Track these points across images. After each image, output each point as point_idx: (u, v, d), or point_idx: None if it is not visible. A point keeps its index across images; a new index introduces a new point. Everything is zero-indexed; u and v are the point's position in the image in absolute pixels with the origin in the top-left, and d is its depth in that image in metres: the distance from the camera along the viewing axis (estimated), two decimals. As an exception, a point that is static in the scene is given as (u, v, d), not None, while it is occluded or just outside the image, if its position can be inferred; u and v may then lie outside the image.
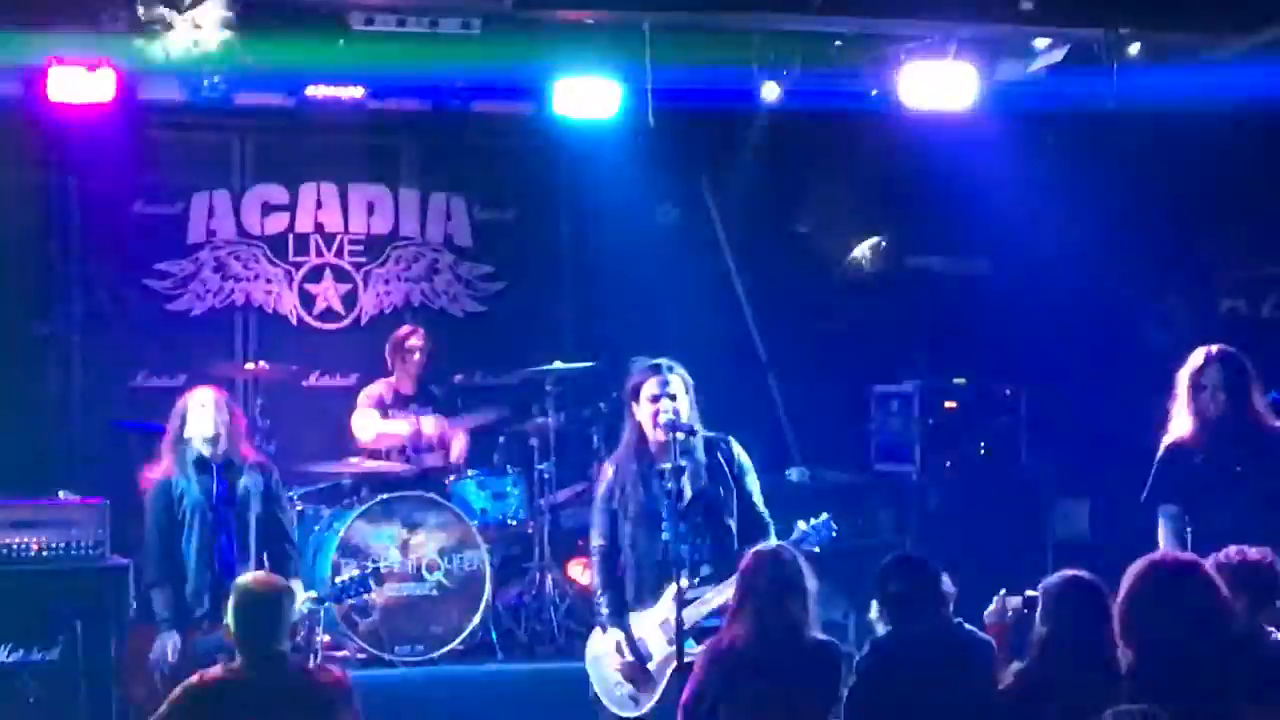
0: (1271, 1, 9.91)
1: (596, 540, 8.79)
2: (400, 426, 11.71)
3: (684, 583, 8.29)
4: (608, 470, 8.89)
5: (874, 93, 11.73)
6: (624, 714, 8.66)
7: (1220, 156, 11.81)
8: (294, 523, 10.01)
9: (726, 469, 8.74)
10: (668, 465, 8.55)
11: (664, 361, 8.76)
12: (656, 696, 8.52)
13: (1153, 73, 10.74)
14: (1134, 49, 10.56)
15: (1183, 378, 8.74)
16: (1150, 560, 6.83)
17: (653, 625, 8.57)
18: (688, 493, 8.53)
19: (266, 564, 9.28)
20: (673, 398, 8.60)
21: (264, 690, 6.89)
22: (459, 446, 12.00)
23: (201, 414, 9.37)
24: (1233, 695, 6.41)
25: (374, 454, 11.67)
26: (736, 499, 8.72)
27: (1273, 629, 7.02)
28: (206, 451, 9.38)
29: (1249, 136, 11.23)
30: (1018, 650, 7.14)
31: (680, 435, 8.46)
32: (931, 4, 10.04)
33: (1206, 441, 8.68)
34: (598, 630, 8.80)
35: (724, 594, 8.18)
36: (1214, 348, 8.76)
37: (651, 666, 8.55)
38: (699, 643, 8.02)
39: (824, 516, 8.64)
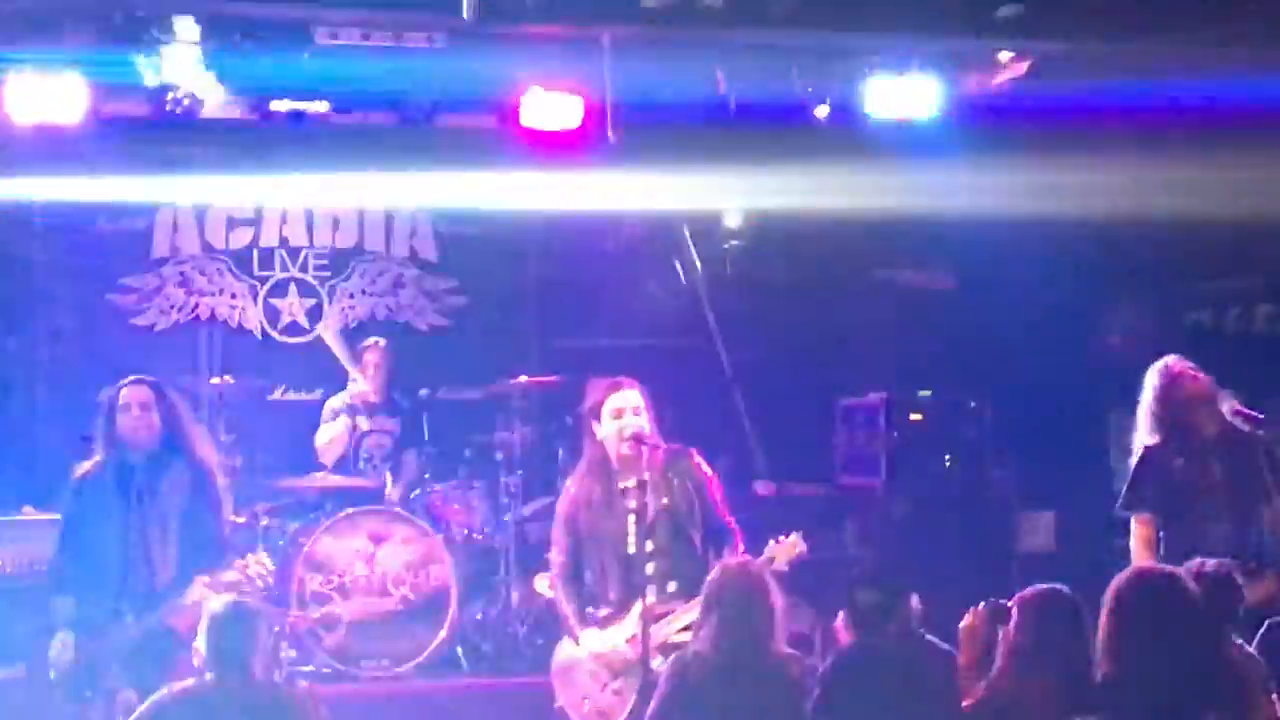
0: (1233, 19, 9.95)
1: (557, 557, 8.81)
2: (337, 427, 11.80)
3: (651, 599, 8.33)
4: (568, 487, 8.91)
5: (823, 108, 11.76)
6: None
7: (1184, 170, 11.85)
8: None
9: (688, 482, 8.76)
10: (631, 482, 8.58)
11: (623, 379, 8.80)
12: (625, 712, 8.54)
13: (1115, 86, 10.78)
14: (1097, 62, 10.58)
15: (1158, 387, 8.80)
16: (1136, 571, 6.88)
17: (620, 641, 8.59)
18: (651, 508, 8.55)
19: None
20: (635, 412, 8.64)
21: (232, 703, 6.92)
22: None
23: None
24: (1201, 705, 6.45)
25: (339, 466, 11.68)
26: (700, 510, 8.75)
27: (1238, 639, 7.09)
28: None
29: (1214, 151, 11.28)
30: (987, 660, 7.17)
31: (644, 449, 8.50)
32: (894, 17, 10.03)
33: (1181, 450, 8.75)
34: (564, 642, 8.81)
35: (692, 610, 8.23)
36: (1174, 359, 8.85)
37: (620, 682, 8.57)
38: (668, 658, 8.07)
39: (794, 536, 8.67)
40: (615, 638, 8.57)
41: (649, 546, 8.49)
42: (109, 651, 8.53)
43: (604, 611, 8.70)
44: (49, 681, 8.65)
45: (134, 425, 8.91)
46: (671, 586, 8.55)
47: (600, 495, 8.71)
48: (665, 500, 8.61)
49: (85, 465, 9.02)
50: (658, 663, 7.96)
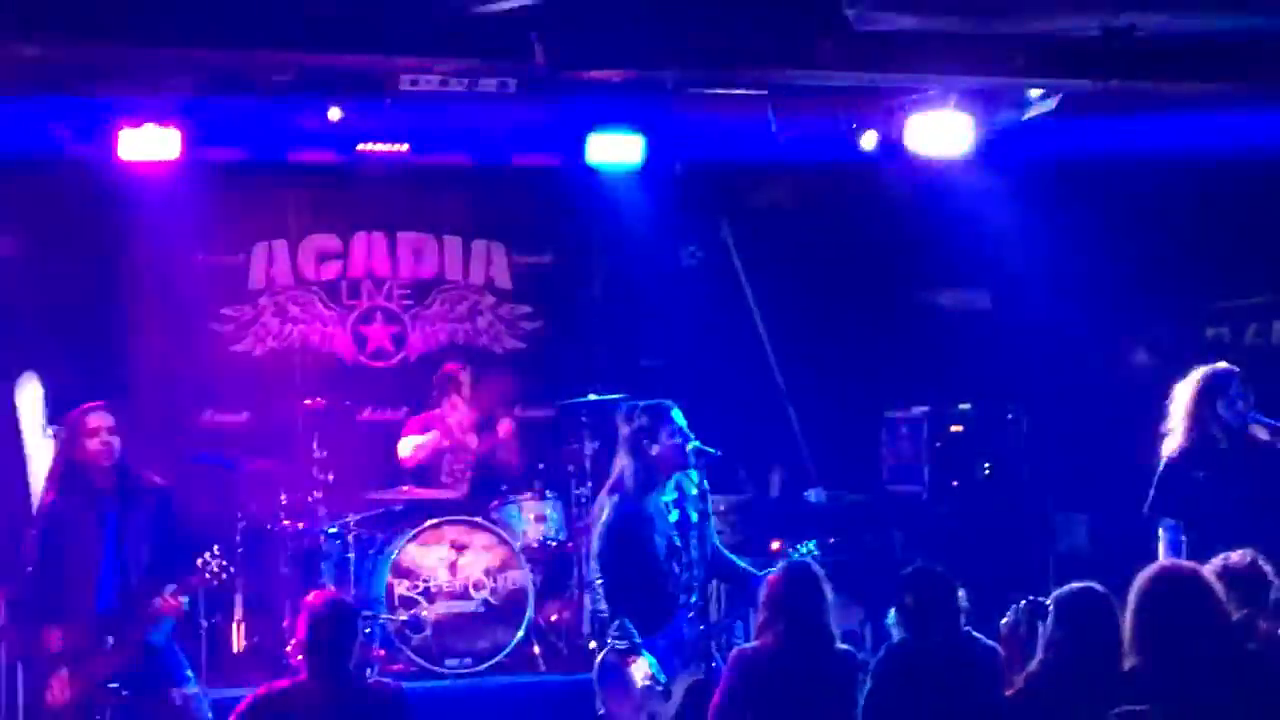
0: (1251, 58, 9.91)
1: (599, 574, 8.69)
2: (430, 436, 11.80)
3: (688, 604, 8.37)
4: (608, 501, 8.82)
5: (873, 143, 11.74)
6: None
7: (1204, 197, 11.82)
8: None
9: (707, 498, 8.73)
10: (670, 496, 8.58)
11: (667, 401, 8.79)
12: (673, 712, 8.49)
13: (1140, 120, 10.74)
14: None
15: (1191, 395, 8.76)
16: (1159, 570, 6.86)
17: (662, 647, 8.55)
18: (693, 520, 8.53)
19: None
20: (687, 432, 8.63)
21: (328, 700, 6.92)
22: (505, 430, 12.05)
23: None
24: (1228, 693, 6.42)
25: (422, 479, 11.69)
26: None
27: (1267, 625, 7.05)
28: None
29: (1232, 179, 11.24)
30: (1027, 655, 7.15)
31: (706, 454, 8.48)
32: (932, 59, 10.02)
33: (1207, 457, 8.71)
34: (608, 652, 8.69)
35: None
36: (1204, 371, 8.82)
37: (670, 686, 8.50)
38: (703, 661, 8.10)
39: (811, 543, 8.68)
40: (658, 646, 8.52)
41: (690, 559, 8.49)
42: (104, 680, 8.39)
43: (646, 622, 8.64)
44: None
45: (98, 450, 8.61)
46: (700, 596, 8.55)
47: (641, 507, 8.67)
48: (698, 515, 8.57)
49: (48, 495, 8.77)
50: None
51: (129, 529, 8.62)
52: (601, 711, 8.69)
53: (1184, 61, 9.99)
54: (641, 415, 8.80)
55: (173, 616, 8.63)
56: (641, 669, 8.44)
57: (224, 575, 8.72)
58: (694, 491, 8.54)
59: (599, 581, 8.69)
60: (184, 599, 8.65)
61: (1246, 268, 12.35)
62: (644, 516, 8.65)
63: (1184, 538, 8.65)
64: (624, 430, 8.88)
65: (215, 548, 9.27)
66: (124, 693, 8.38)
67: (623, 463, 8.81)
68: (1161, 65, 10.00)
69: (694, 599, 8.47)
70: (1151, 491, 8.84)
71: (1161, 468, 8.83)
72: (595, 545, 8.78)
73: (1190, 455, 8.77)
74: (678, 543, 8.51)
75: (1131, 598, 6.65)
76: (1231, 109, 10.48)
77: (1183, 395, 8.84)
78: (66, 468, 8.74)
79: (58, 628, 8.41)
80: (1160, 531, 8.76)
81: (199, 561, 8.53)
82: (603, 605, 8.72)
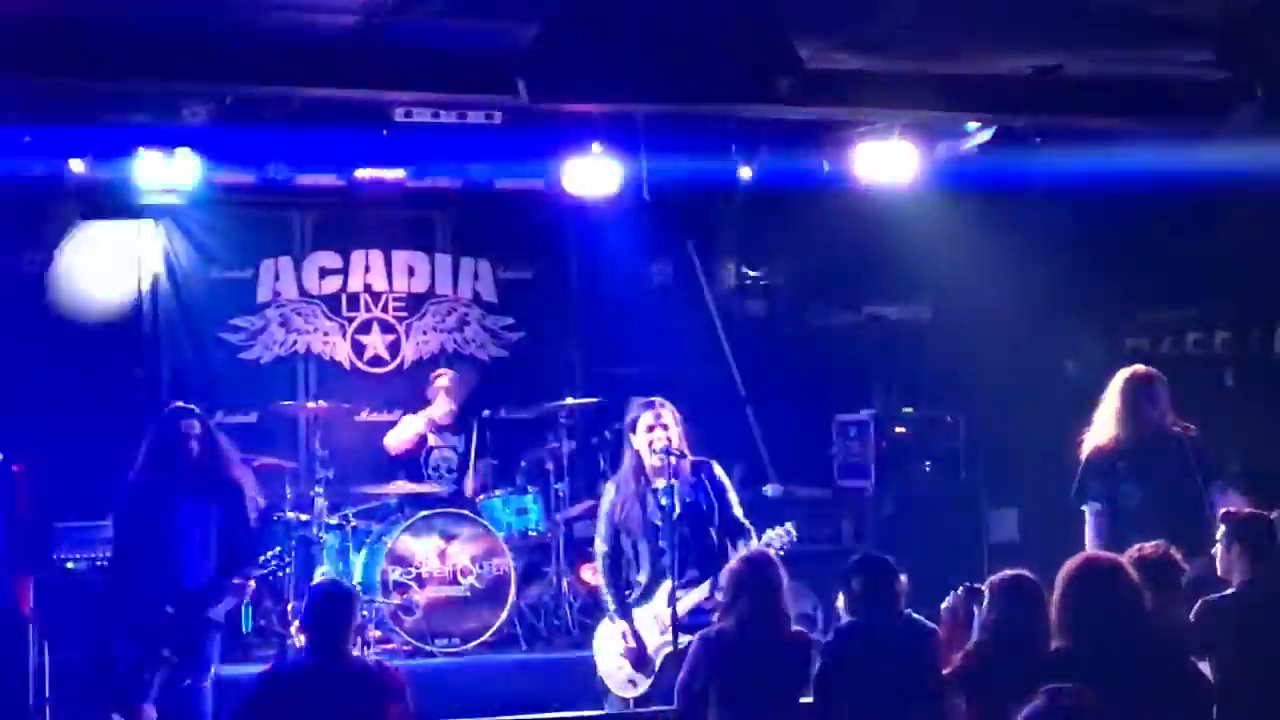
0: (1163, 97, 9.97)
1: (601, 547, 8.86)
2: (405, 423, 11.89)
3: (672, 583, 8.39)
4: (610, 489, 8.95)
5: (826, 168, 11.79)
6: (624, 694, 8.71)
7: (1124, 221, 11.87)
8: None
9: (710, 487, 8.79)
10: (661, 484, 8.61)
11: (656, 399, 8.83)
12: (651, 679, 8.58)
13: (1067, 151, 10.79)
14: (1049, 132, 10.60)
15: (1117, 393, 8.81)
16: (1082, 560, 6.90)
17: (648, 619, 8.62)
18: (678, 508, 8.57)
19: None
20: (665, 428, 8.67)
21: (328, 677, 6.90)
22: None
23: None
24: (1143, 669, 6.45)
25: (414, 474, 11.68)
26: (719, 512, 8.77)
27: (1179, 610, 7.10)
28: None
29: (1150, 205, 11.28)
30: (965, 635, 7.18)
31: (672, 459, 8.54)
32: (879, 95, 10.07)
33: (1127, 448, 8.76)
34: (605, 622, 8.83)
35: (703, 592, 8.35)
36: (1134, 370, 8.89)
37: (648, 653, 8.60)
38: (688, 634, 8.10)
39: (788, 525, 8.71)
40: (644, 618, 8.61)
41: (676, 539, 8.52)
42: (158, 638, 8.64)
43: (635, 593, 8.74)
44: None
45: (185, 449, 8.96)
46: (692, 573, 8.59)
47: (636, 495, 8.74)
48: (689, 500, 8.64)
49: (138, 476, 9.07)
50: (684, 640, 7.98)
51: (211, 516, 8.94)
52: (597, 675, 8.79)
53: (1105, 99, 10.05)
54: (630, 411, 8.89)
55: (240, 599, 9.11)
56: (629, 635, 8.54)
57: (279, 573, 9.55)
58: (690, 481, 8.62)
59: (602, 553, 8.79)
60: (251, 583, 8.98)
61: (1163, 285, 12.40)
62: (628, 502, 8.72)
63: (1107, 520, 8.72)
64: (625, 422, 8.96)
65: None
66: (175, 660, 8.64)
67: (626, 451, 8.91)
68: (1086, 102, 10.06)
69: (690, 576, 8.52)
70: (1077, 479, 8.90)
71: (1088, 459, 8.89)
72: (599, 526, 8.91)
73: (1113, 446, 8.83)
74: (660, 527, 8.57)
75: (1058, 585, 6.69)
76: (1147, 142, 10.52)
77: (1109, 393, 8.90)
78: (157, 457, 9.04)
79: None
80: (1086, 515, 8.82)
81: (261, 559, 8.69)
82: (603, 581, 8.83)
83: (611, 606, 8.72)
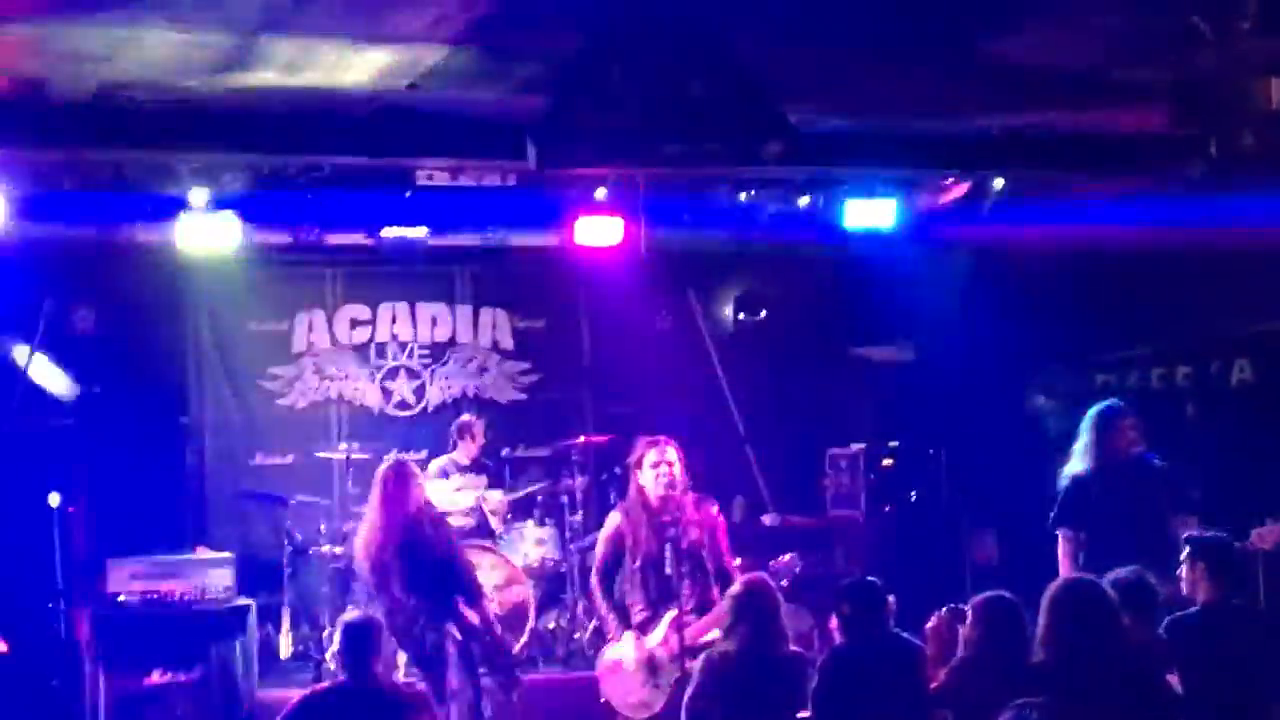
0: (1125, 153, 10.01)
1: (598, 563, 8.87)
2: (467, 498, 11.65)
3: (679, 610, 8.37)
4: (616, 516, 8.92)
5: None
6: (636, 716, 8.64)
7: (1092, 266, 11.88)
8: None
9: (707, 524, 8.77)
10: (666, 517, 8.61)
11: (661, 437, 8.84)
12: (661, 703, 8.52)
13: (1037, 202, 10.83)
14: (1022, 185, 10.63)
15: (1093, 427, 8.83)
16: (1066, 581, 6.95)
17: (655, 645, 8.58)
18: (685, 540, 8.56)
19: None
20: (670, 465, 8.67)
21: (359, 700, 6.95)
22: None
23: None
24: (1117, 684, 6.45)
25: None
26: (709, 550, 8.76)
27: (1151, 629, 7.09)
28: None
29: (1115, 252, 11.29)
30: (949, 652, 7.17)
31: (675, 493, 8.53)
32: (863, 154, 10.10)
33: (1101, 478, 8.76)
34: (609, 646, 8.76)
35: (710, 623, 8.29)
36: (1107, 405, 8.91)
37: (657, 678, 8.54)
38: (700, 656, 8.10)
39: (790, 556, 8.70)
40: (651, 640, 8.58)
41: (683, 569, 8.51)
42: None
43: (639, 618, 8.70)
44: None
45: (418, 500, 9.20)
46: (692, 603, 8.57)
47: (643, 526, 8.73)
48: (694, 535, 8.63)
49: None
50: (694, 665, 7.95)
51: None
52: (603, 699, 8.74)
53: (1071, 155, 10.08)
54: (636, 449, 8.88)
55: None
56: (630, 657, 8.52)
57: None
58: (692, 516, 8.60)
59: (598, 585, 8.77)
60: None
61: (1129, 325, 12.40)
62: (634, 532, 8.71)
63: (1080, 546, 8.72)
64: (630, 460, 8.96)
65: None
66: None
67: (631, 485, 8.93)
68: (1053, 158, 10.10)
69: (682, 604, 8.49)
70: (1055, 507, 8.90)
71: (1064, 487, 8.90)
72: (598, 553, 8.95)
73: (1088, 476, 8.83)
74: (669, 556, 8.55)
75: (1043, 604, 6.70)
76: (1111, 194, 10.55)
77: (1082, 428, 8.92)
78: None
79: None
80: (1060, 541, 8.82)
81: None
82: (602, 606, 8.80)
83: (616, 625, 8.66)
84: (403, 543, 8.89)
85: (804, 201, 11.59)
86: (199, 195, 10.49)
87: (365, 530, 9.08)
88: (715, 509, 8.86)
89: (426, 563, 8.94)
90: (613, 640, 8.73)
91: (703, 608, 8.48)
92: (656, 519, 8.68)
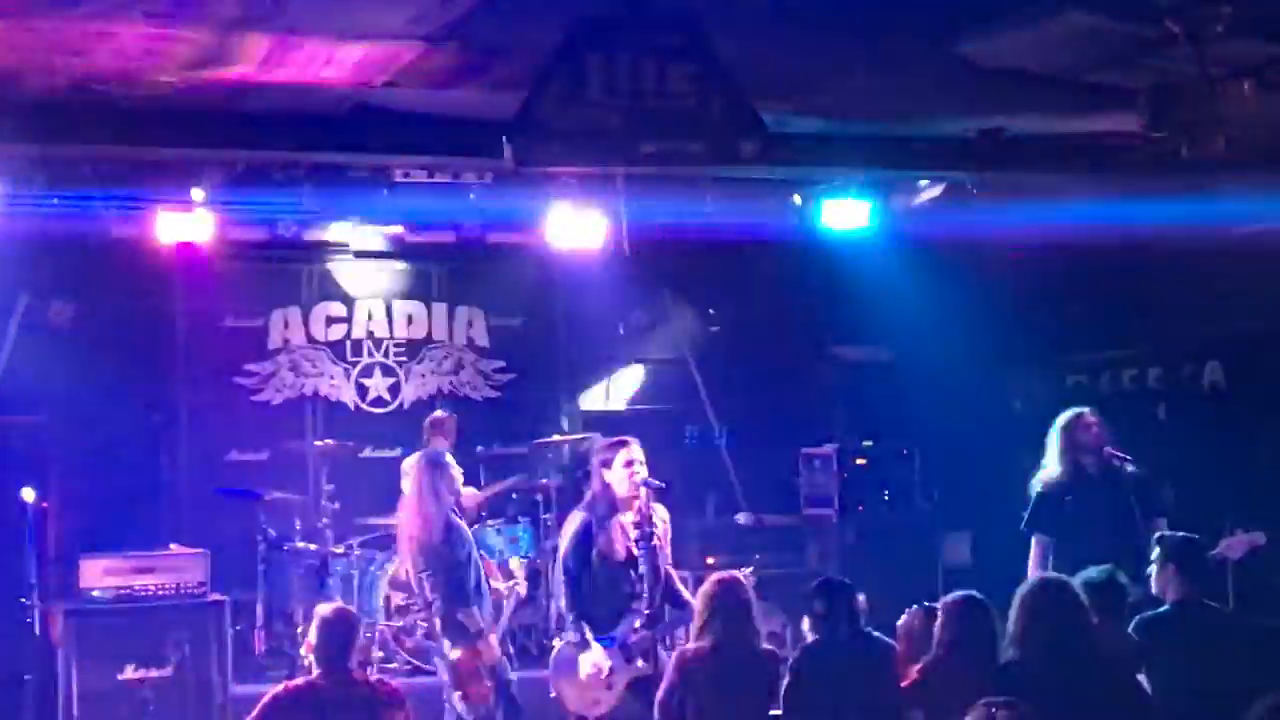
0: (1097, 155, 10.04)
1: (564, 571, 8.71)
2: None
3: (646, 610, 8.37)
4: (580, 516, 8.81)
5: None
6: (588, 713, 8.60)
7: (1064, 269, 11.92)
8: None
9: (664, 524, 8.76)
10: (629, 517, 8.60)
11: (627, 437, 8.82)
12: (615, 700, 8.51)
13: (1010, 204, 10.83)
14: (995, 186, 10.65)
15: (1064, 431, 8.85)
16: (1039, 580, 7.01)
17: (616, 648, 8.54)
18: (651, 538, 8.54)
19: None
20: (641, 463, 8.66)
21: (335, 695, 6.92)
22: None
23: None
24: (1087, 681, 6.48)
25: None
26: (662, 548, 8.74)
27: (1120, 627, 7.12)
28: None
29: (1086, 255, 11.33)
30: (921, 651, 7.19)
31: (646, 491, 8.50)
32: (837, 155, 10.12)
33: (1073, 484, 8.78)
34: (564, 645, 8.69)
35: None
36: (1078, 411, 8.92)
37: (613, 678, 8.51)
38: (643, 659, 8.11)
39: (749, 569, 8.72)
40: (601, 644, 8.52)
41: (642, 567, 8.49)
42: None
43: (602, 618, 8.64)
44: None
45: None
46: (654, 602, 8.55)
47: (610, 525, 8.69)
48: (652, 533, 8.58)
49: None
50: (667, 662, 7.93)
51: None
52: (553, 695, 8.71)
53: (1043, 157, 10.11)
54: (603, 449, 8.85)
55: None
56: (589, 660, 8.47)
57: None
58: (650, 515, 8.55)
59: (562, 582, 8.71)
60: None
61: (1100, 327, 12.45)
62: (602, 531, 8.66)
63: (1050, 550, 8.74)
64: (594, 460, 8.92)
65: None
66: None
67: (592, 486, 8.85)
68: (1025, 160, 10.12)
69: (643, 605, 8.48)
70: (1026, 512, 8.92)
71: (1035, 493, 8.92)
72: (561, 551, 8.81)
73: (1059, 482, 8.85)
74: (636, 554, 8.53)
75: (1015, 603, 6.74)
76: (1083, 196, 10.57)
77: (1052, 434, 8.94)
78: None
79: None
80: (1032, 545, 8.84)
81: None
82: (564, 604, 8.75)
83: (584, 634, 8.57)
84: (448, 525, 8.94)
85: (780, 201, 11.62)
86: (176, 191, 10.45)
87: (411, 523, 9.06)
88: (662, 508, 8.81)
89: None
90: (576, 644, 8.62)
91: (663, 607, 8.49)
92: (618, 519, 8.65)
